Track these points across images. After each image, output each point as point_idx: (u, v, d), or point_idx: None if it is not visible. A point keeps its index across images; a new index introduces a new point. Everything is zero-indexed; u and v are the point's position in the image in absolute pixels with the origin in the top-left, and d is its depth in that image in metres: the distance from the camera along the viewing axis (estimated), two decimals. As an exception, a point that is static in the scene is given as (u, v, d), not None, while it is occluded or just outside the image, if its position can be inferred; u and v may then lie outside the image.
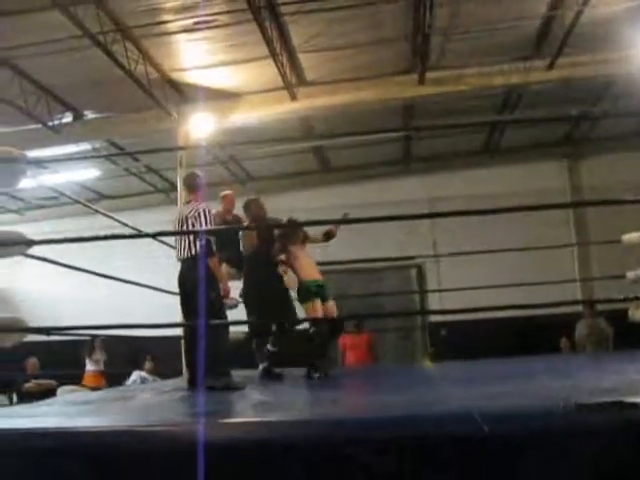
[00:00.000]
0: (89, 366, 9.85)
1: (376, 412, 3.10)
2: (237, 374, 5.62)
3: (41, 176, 12.38)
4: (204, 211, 5.58)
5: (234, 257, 7.07)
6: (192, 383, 5.33)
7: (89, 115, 10.92)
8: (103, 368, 9.92)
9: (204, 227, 5.52)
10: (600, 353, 9.42)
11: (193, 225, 5.54)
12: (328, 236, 7.07)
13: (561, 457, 2.40)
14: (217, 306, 5.44)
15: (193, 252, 5.46)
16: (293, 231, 6.65)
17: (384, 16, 8.52)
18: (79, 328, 5.45)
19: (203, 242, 5.39)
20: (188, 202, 5.92)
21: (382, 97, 10.13)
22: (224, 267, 6.78)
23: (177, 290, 5.82)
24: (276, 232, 6.68)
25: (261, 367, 6.59)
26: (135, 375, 10.74)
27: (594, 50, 9.20)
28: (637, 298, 7.01)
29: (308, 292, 6.34)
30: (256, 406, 3.89)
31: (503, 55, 9.50)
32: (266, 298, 6.43)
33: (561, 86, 10.30)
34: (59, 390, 10.07)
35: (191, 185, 5.99)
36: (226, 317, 5.89)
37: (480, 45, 9.26)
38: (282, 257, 6.54)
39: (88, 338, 10.47)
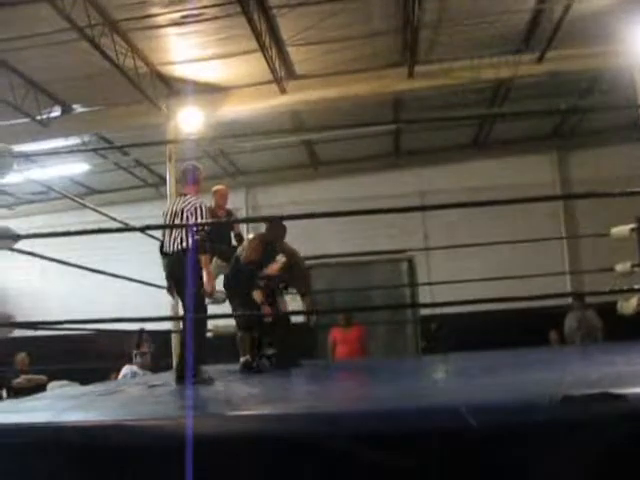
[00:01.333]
0: (137, 359, 9.84)
1: (363, 405, 3.11)
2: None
3: (31, 170, 12.34)
4: (201, 207, 5.52)
5: (226, 250, 7.09)
6: (181, 377, 5.35)
7: (78, 109, 10.87)
8: (150, 361, 9.92)
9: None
10: (589, 345, 9.46)
11: (188, 219, 5.45)
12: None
13: (548, 450, 2.41)
14: (199, 301, 5.39)
15: (184, 245, 5.38)
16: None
17: (374, 9, 8.51)
18: (67, 322, 5.42)
19: (197, 237, 5.32)
20: (184, 195, 5.79)
21: (372, 91, 10.11)
22: (214, 261, 6.82)
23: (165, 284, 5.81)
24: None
25: (242, 360, 6.59)
26: (126, 370, 10.72)
27: (583, 44, 9.21)
28: (626, 290, 7.07)
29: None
30: (245, 399, 3.89)
31: (492, 48, 9.50)
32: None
33: (550, 79, 10.32)
34: (49, 385, 10.05)
35: (190, 178, 5.87)
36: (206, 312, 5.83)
37: (469, 38, 9.25)
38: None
39: (79, 333, 10.43)
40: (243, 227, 8.02)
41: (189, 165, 6.16)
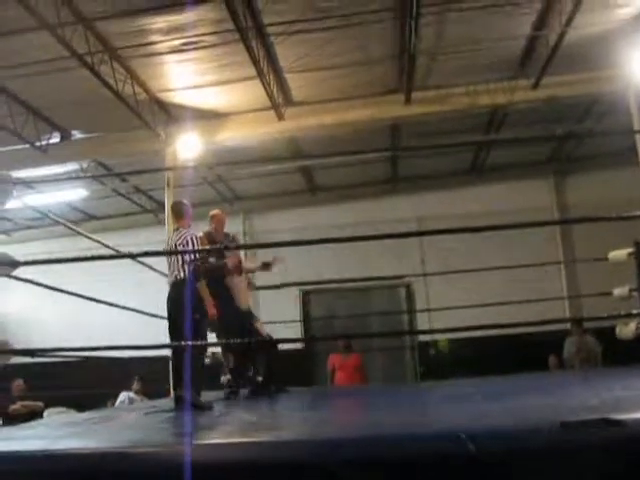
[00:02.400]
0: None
1: (363, 431, 3.10)
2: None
3: (29, 196, 12.36)
4: (191, 239, 5.86)
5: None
6: (180, 401, 5.44)
7: (77, 135, 10.91)
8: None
9: (195, 255, 5.77)
10: (588, 370, 9.42)
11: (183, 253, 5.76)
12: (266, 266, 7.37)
13: (547, 475, 2.40)
14: (200, 328, 5.60)
15: (181, 276, 5.68)
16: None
17: (371, 37, 8.58)
18: (64, 350, 5.42)
19: (192, 267, 5.64)
20: (176, 229, 6.13)
21: (369, 117, 10.17)
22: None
23: (163, 312, 5.92)
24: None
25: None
26: (123, 396, 10.68)
27: (578, 69, 9.29)
28: (624, 316, 7.05)
29: None
30: (243, 426, 3.87)
31: (488, 74, 9.57)
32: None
33: (546, 105, 10.38)
34: (46, 412, 9.98)
35: (178, 212, 6.21)
36: (206, 338, 5.98)
37: (466, 65, 9.33)
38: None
39: (76, 359, 10.40)
40: (241, 253, 8.03)
41: (176, 201, 6.52)
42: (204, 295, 5.79)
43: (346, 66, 9.15)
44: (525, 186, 13.25)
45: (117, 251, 6.44)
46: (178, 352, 5.64)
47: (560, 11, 8.04)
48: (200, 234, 6.74)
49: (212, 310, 5.92)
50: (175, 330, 5.63)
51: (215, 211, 7.61)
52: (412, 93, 9.76)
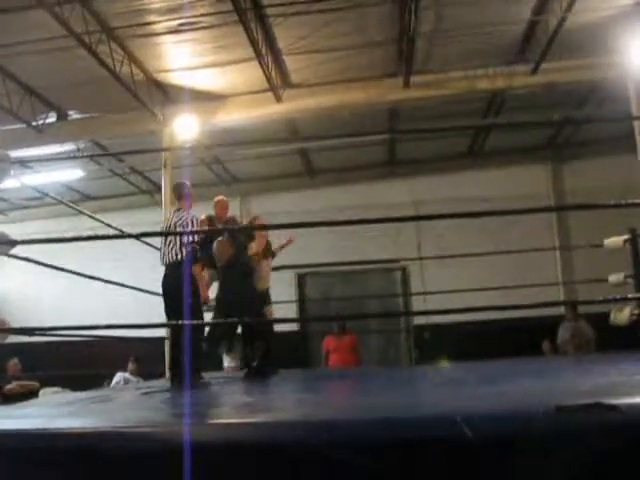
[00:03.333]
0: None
1: (357, 414, 3.11)
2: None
3: (25, 176, 12.32)
4: (192, 220, 5.91)
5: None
6: (175, 381, 5.51)
7: (73, 115, 10.89)
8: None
9: (193, 236, 5.83)
10: (582, 355, 9.47)
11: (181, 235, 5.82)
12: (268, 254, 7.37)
13: (542, 459, 2.42)
14: (196, 310, 5.67)
15: (179, 258, 5.72)
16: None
17: (370, 19, 8.55)
18: (62, 329, 5.42)
19: (189, 249, 5.71)
20: (177, 209, 6.16)
21: (367, 100, 10.15)
22: (209, 271, 6.97)
23: (159, 292, 5.96)
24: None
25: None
26: (118, 376, 10.71)
27: (577, 55, 9.28)
28: (618, 300, 7.09)
29: None
30: (240, 407, 3.89)
31: (487, 59, 9.55)
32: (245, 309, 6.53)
33: (545, 90, 10.38)
34: (41, 391, 10.01)
35: (179, 193, 6.25)
36: (202, 318, 6.08)
37: (465, 49, 9.31)
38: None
39: (72, 339, 10.41)
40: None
41: (180, 182, 6.56)
42: (199, 277, 5.91)
43: (345, 49, 9.12)
44: (522, 171, 13.25)
45: (121, 231, 6.44)
46: (177, 332, 5.69)
47: (561, -4, 8.02)
48: (202, 217, 6.76)
49: (205, 293, 6.22)
50: (172, 311, 5.66)
51: (219, 197, 7.73)
52: (411, 77, 9.75)
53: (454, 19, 8.60)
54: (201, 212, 6.98)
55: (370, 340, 13.19)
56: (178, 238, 5.76)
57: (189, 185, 6.36)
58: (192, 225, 5.85)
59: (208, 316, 6.88)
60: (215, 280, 7.21)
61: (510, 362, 7.39)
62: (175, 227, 5.90)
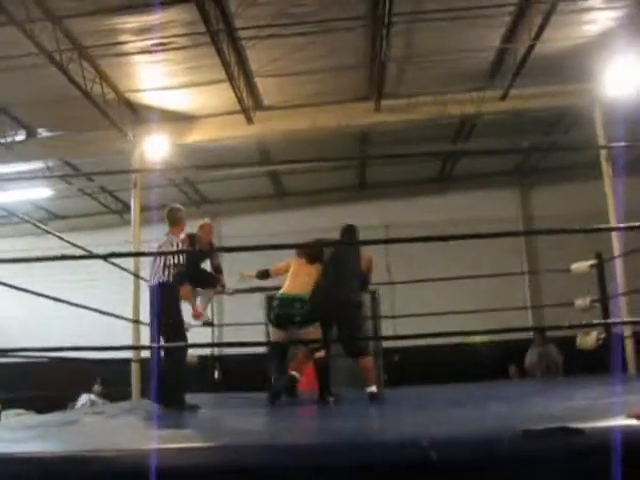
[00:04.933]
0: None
1: (323, 438, 3.10)
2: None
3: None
4: (177, 244, 6.08)
5: (205, 279, 7.70)
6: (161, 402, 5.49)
7: (43, 133, 10.78)
8: None
9: (180, 259, 5.84)
10: (549, 379, 9.54)
11: (166, 258, 5.85)
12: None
13: (508, 483, 2.42)
14: (179, 332, 5.69)
15: (163, 279, 5.78)
16: None
17: (342, 44, 8.61)
18: (24, 350, 5.33)
19: (176, 271, 5.79)
20: (167, 234, 6.31)
21: (338, 123, 10.19)
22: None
23: (127, 313, 5.98)
24: None
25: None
26: (84, 398, 10.56)
27: (546, 82, 9.42)
28: (585, 325, 7.16)
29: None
30: (206, 431, 3.85)
31: (457, 85, 9.66)
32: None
33: (514, 116, 10.53)
34: (3, 413, 9.84)
35: (172, 219, 6.39)
36: (185, 340, 6.02)
37: (435, 74, 9.41)
38: None
39: (36, 360, 10.28)
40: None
41: (173, 207, 6.63)
42: (187, 297, 6.07)
43: (317, 72, 9.17)
44: (491, 196, 13.39)
45: (89, 251, 6.34)
46: (165, 354, 5.70)
47: (529, 25, 8.15)
48: (182, 236, 6.76)
49: (197, 310, 6.59)
50: (159, 332, 5.67)
51: (205, 221, 7.98)
52: (382, 101, 9.82)
53: (425, 45, 8.69)
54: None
55: (338, 362, 13.14)
56: (164, 260, 5.80)
57: (182, 210, 6.51)
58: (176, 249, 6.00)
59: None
60: (204, 300, 7.58)
61: (477, 386, 7.41)
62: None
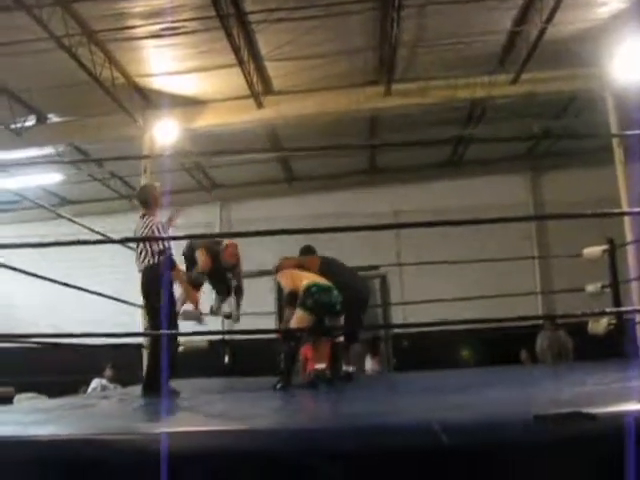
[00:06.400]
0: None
1: (335, 423, 3.10)
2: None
3: (3, 179, 12.20)
4: (157, 228, 5.56)
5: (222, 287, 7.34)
6: (146, 389, 5.39)
7: (53, 119, 10.79)
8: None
9: (165, 245, 5.49)
10: (560, 365, 9.52)
11: (148, 243, 5.52)
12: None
13: (520, 468, 2.42)
14: (171, 315, 5.44)
15: (150, 263, 5.47)
16: None
17: (352, 27, 8.57)
18: (36, 336, 5.36)
19: (163, 257, 5.42)
20: (142, 216, 5.80)
21: (349, 108, 10.17)
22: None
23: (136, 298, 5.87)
24: None
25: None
26: (95, 383, 10.60)
27: (557, 66, 9.36)
28: (597, 314, 7.13)
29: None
30: (216, 415, 3.85)
31: (468, 69, 9.60)
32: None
33: (524, 100, 10.46)
34: (16, 397, 9.89)
35: (143, 200, 5.88)
36: (176, 327, 5.82)
37: (446, 58, 9.35)
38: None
39: (48, 345, 10.32)
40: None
41: (145, 185, 6.36)
42: (182, 283, 5.77)
43: (327, 56, 9.14)
44: (502, 181, 13.32)
45: (105, 235, 6.28)
46: (153, 340, 5.59)
47: (541, 7, 8.09)
48: (203, 250, 6.63)
49: (194, 297, 6.16)
50: (149, 317, 5.59)
51: (230, 241, 7.29)
52: (392, 85, 9.78)
53: (436, 28, 8.64)
54: (178, 218, 6.79)
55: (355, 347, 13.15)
56: (148, 245, 5.48)
57: (156, 188, 5.98)
58: (158, 232, 5.54)
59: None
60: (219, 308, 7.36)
61: (488, 371, 7.40)
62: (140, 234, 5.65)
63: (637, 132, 8.77)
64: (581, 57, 9.02)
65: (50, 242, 3.96)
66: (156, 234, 5.53)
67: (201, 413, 4.12)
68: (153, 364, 5.34)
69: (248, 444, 2.57)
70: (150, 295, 5.42)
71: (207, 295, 7.32)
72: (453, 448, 2.39)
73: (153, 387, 5.19)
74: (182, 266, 6.53)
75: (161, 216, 5.88)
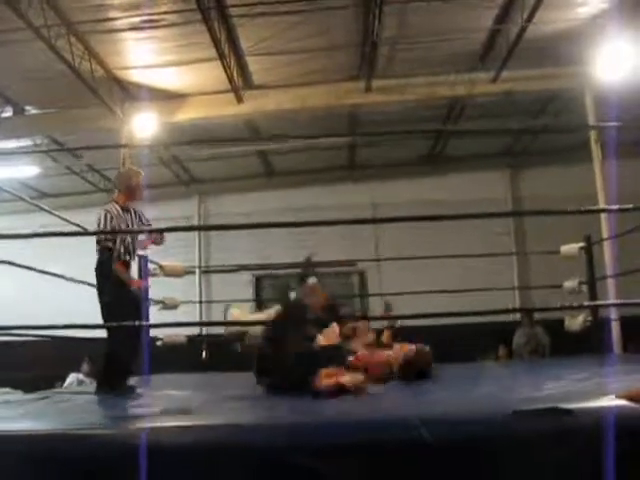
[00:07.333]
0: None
1: (314, 417, 3.10)
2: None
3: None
4: (102, 216, 5.19)
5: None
6: (101, 386, 5.22)
7: (31, 110, 10.69)
8: None
9: (106, 236, 5.11)
10: (537, 361, 9.59)
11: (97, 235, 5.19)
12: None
13: (499, 463, 2.44)
14: (113, 310, 5.06)
15: (97, 257, 5.19)
16: None
17: (334, 23, 8.56)
18: (12, 328, 5.30)
19: (104, 250, 5.10)
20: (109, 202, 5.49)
21: (329, 103, 10.17)
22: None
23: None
24: None
25: None
26: (72, 378, 10.52)
27: (537, 65, 9.43)
28: (573, 307, 7.19)
29: None
30: (191, 410, 3.84)
31: (449, 66, 9.64)
32: None
33: (504, 99, 10.51)
34: (-9, 392, 9.80)
35: (117, 184, 5.61)
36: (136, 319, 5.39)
37: (427, 55, 9.38)
38: None
39: (23, 339, 10.23)
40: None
41: (127, 170, 6.02)
42: (124, 278, 5.25)
43: (308, 51, 9.12)
44: (481, 177, 13.39)
45: (84, 228, 6.14)
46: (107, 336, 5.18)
47: (522, 6, 8.13)
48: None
49: (139, 282, 5.87)
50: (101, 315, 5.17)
51: (309, 283, 6.51)
52: (372, 81, 9.79)
53: (417, 25, 8.66)
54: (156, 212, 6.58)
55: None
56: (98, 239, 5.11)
57: (138, 173, 5.52)
58: (99, 222, 5.16)
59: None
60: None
61: (466, 366, 7.43)
62: (98, 226, 5.20)
63: (614, 124, 8.84)
64: (562, 56, 9.09)
65: (28, 233, 3.93)
66: (101, 226, 5.14)
67: (178, 408, 4.09)
68: (108, 361, 5.16)
69: (226, 438, 2.57)
70: (101, 293, 5.13)
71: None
72: (434, 443, 2.40)
73: (109, 384, 5.02)
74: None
75: (135, 205, 5.49)
